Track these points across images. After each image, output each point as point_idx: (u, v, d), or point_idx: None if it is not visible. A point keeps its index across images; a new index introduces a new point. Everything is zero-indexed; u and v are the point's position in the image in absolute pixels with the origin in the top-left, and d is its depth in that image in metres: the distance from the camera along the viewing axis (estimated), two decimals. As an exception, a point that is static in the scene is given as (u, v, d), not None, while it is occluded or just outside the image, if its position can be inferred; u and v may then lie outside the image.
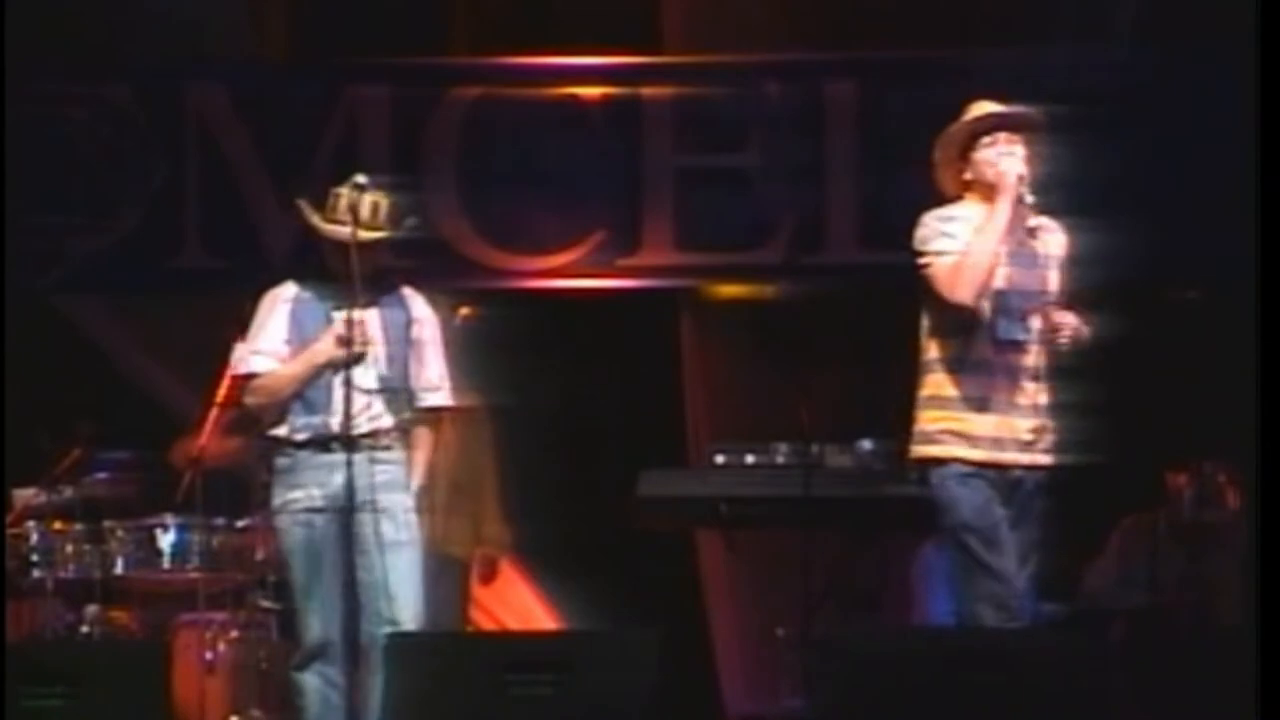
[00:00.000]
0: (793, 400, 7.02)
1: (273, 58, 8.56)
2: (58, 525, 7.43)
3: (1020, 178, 5.90)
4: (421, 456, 6.23)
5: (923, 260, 5.96)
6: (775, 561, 7.39)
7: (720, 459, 7.19)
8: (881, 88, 8.15)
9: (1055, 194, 7.13)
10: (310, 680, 6.06)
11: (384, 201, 6.15)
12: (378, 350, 6.13)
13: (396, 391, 6.16)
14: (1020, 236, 5.96)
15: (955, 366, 5.94)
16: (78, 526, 7.42)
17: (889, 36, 8.26)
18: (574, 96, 8.32)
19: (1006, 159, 5.93)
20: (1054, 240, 6.05)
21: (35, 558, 7.37)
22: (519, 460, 7.39)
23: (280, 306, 6.20)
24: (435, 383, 6.26)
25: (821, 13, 8.30)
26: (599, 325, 8.17)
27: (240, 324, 7.02)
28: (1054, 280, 6.00)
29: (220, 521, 7.37)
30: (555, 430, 7.80)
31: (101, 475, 7.52)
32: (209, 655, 7.21)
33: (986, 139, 5.99)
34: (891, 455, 7.04)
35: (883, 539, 7.38)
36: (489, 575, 7.58)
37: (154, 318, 8.45)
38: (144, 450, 7.56)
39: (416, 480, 6.19)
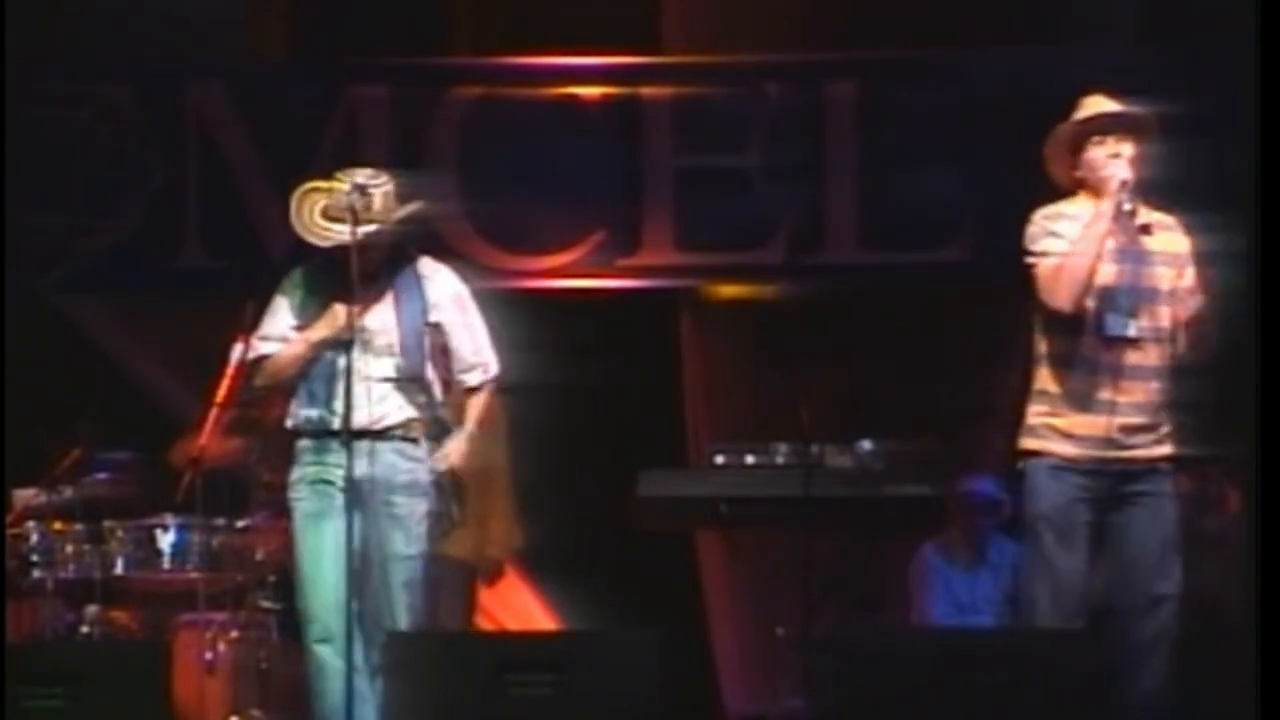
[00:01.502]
0: (792, 400, 7.00)
1: (273, 57, 8.56)
2: (58, 525, 7.40)
3: (1124, 183, 5.89)
4: (462, 444, 6.13)
5: (1029, 259, 5.99)
6: (775, 561, 7.39)
7: (720, 459, 7.14)
8: (882, 88, 8.13)
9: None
10: (329, 659, 5.98)
11: (376, 194, 6.11)
12: (391, 339, 6.08)
13: (416, 382, 6.10)
14: (1131, 234, 5.95)
15: (1060, 362, 5.96)
16: (78, 527, 7.38)
17: (889, 36, 8.24)
18: (574, 97, 8.33)
19: (1112, 163, 5.92)
20: (1170, 238, 6.02)
21: (35, 558, 7.33)
22: (519, 461, 7.37)
23: (289, 292, 6.17)
24: (470, 360, 6.18)
25: (821, 13, 8.28)
26: (599, 325, 8.15)
27: (240, 324, 7.03)
28: (1167, 278, 5.98)
29: (220, 522, 7.33)
30: (555, 430, 7.74)
31: (101, 475, 7.47)
32: (209, 655, 7.15)
33: (1097, 138, 5.98)
34: (891, 455, 7.07)
35: (883, 539, 7.37)
36: (494, 578, 7.56)
37: (154, 318, 8.44)
38: (144, 450, 7.53)
39: (453, 463, 6.09)
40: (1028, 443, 6.02)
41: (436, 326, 6.15)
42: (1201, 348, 5.99)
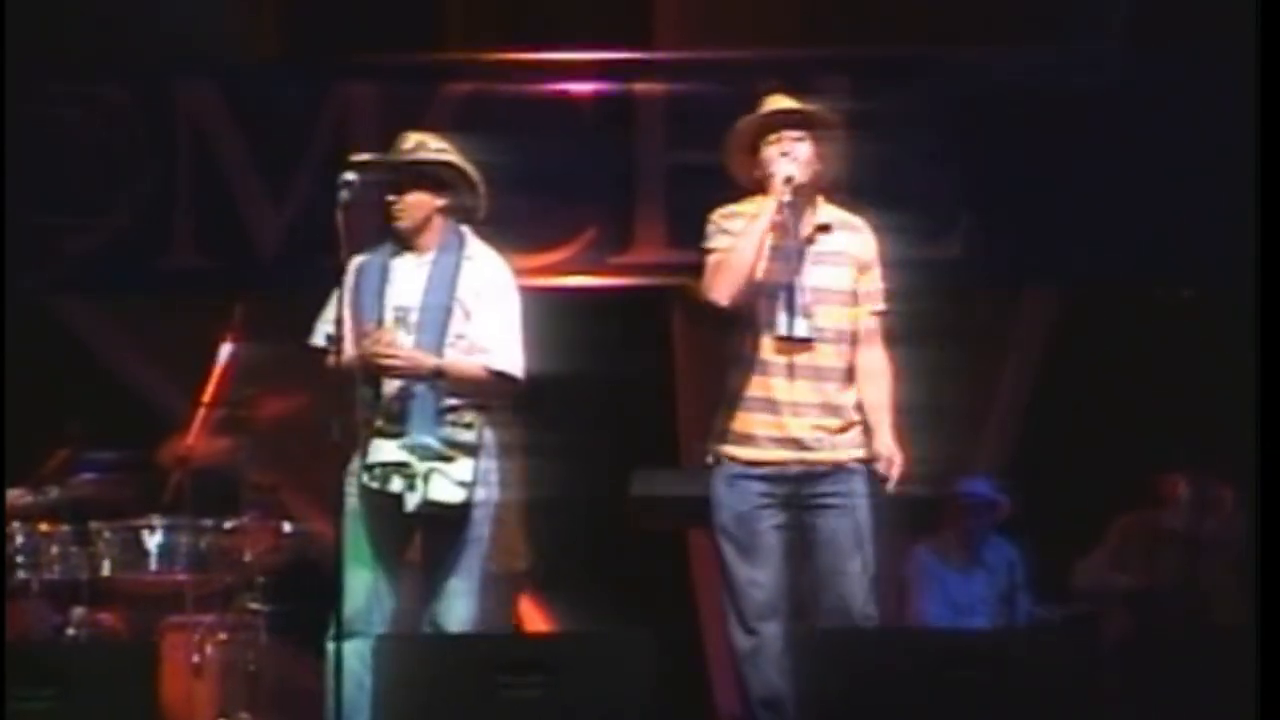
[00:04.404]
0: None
1: (264, 55, 8.52)
2: (44, 526, 7.34)
3: (788, 180, 5.84)
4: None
5: (703, 257, 5.93)
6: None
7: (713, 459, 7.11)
8: (875, 85, 8.02)
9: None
10: (350, 660, 5.79)
11: (427, 140, 6.14)
12: (417, 316, 5.97)
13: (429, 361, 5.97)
14: (808, 234, 5.92)
15: (739, 362, 5.92)
16: (64, 527, 7.33)
17: (883, 34, 8.23)
18: (566, 93, 8.29)
19: (781, 160, 5.87)
20: (855, 239, 5.98)
21: (21, 559, 7.27)
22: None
23: (351, 273, 6.04)
24: (482, 343, 6.00)
25: (815, 9, 8.26)
26: (590, 324, 8.04)
27: (230, 323, 7.30)
28: (847, 278, 5.92)
29: (208, 522, 7.27)
30: (545, 430, 7.53)
31: (88, 475, 7.43)
32: (196, 658, 7.12)
33: (773, 136, 5.92)
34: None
35: (876, 539, 7.29)
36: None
37: (143, 317, 8.40)
38: (132, 450, 7.48)
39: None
40: (710, 447, 5.96)
41: (465, 303, 6.03)
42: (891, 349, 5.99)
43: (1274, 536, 5.12)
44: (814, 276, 5.90)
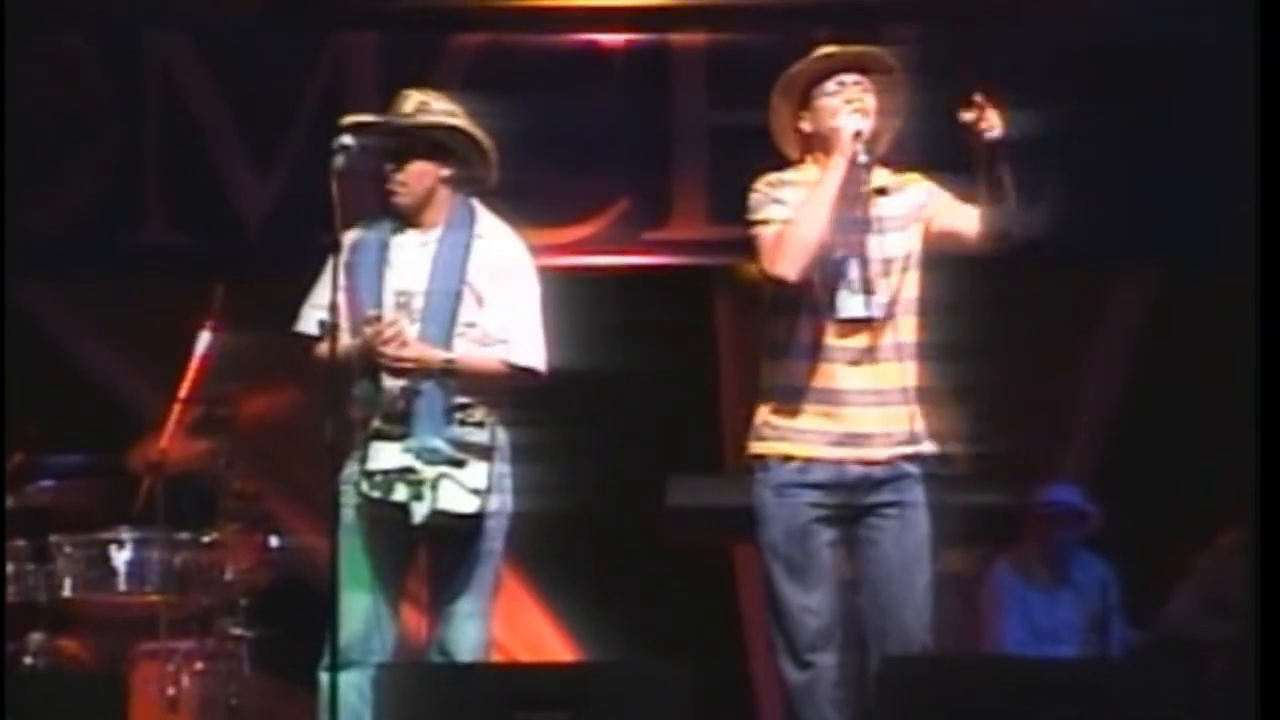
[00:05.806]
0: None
1: (246, 3, 8.12)
2: None
3: (858, 134, 5.48)
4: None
5: (750, 230, 5.59)
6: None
7: (759, 463, 6.91)
8: (946, 33, 7.64)
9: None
10: (347, 693, 5.52)
11: (431, 100, 5.82)
12: (423, 301, 5.70)
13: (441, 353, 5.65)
14: (865, 198, 5.57)
15: (791, 351, 5.57)
16: (20, 542, 7.01)
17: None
18: (594, 44, 7.99)
19: (846, 113, 5.50)
20: (910, 203, 5.63)
21: (-30, 578, 7.02)
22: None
23: (343, 251, 5.69)
24: (497, 333, 5.70)
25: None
26: (622, 308, 7.76)
27: (209, 308, 7.07)
28: (906, 246, 5.57)
29: (184, 536, 6.98)
30: (570, 430, 7.30)
31: (48, 483, 7.15)
32: (171, 690, 6.84)
33: (830, 84, 5.57)
34: (957, 459, 6.40)
35: (949, 555, 6.80)
36: None
37: (111, 302, 8.09)
38: (97, 454, 7.19)
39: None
40: (755, 447, 5.61)
41: (476, 286, 5.69)
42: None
43: (1274, 539, 5.05)
44: (879, 247, 5.52)
